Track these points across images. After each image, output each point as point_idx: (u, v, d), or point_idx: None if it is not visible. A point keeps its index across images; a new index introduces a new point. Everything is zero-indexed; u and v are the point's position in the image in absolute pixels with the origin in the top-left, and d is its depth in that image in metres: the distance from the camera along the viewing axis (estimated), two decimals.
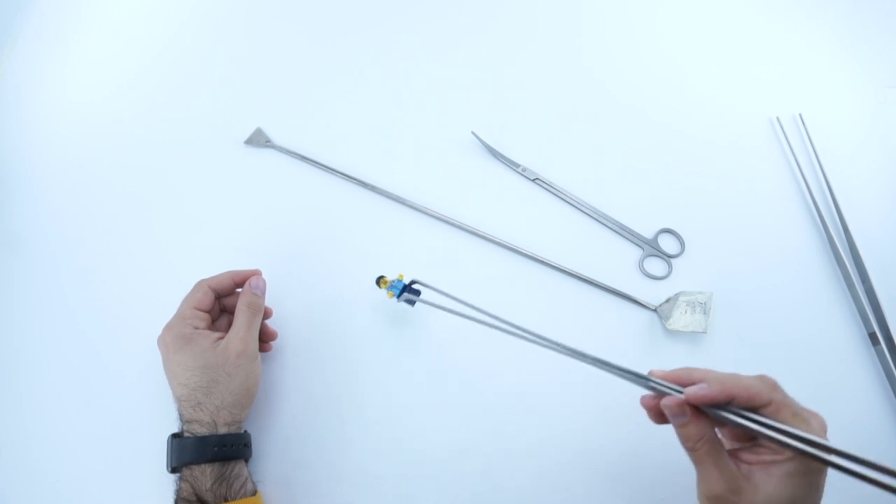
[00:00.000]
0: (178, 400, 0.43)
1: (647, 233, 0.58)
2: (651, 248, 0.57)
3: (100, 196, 0.59)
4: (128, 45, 0.69)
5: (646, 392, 0.36)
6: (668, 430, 0.49)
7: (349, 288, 0.54)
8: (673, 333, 0.53)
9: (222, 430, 0.42)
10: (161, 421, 0.48)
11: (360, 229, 0.58)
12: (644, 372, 0.35)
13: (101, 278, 0.55)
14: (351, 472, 0.47)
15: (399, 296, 0.47)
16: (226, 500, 0.40)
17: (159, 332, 0.50)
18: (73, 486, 0.47)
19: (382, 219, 0.58)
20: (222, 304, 0.49)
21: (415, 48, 0.69)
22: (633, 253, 0.57)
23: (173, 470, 0.42)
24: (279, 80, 0.67)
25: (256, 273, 0.49)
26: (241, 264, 0.55)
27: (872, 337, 0.52)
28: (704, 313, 0.52)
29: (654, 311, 0.54)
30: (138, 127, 0.63)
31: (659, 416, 0.35)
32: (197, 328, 0.45)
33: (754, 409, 0.32)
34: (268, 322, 0.50)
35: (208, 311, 0.47)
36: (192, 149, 0.62)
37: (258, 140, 0.62)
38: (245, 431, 0.45)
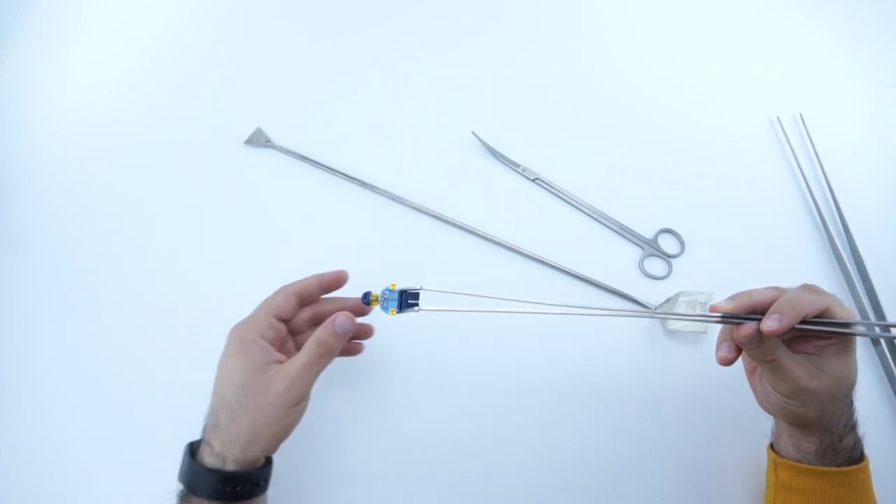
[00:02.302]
0: (210, 407, 0.39)
1: (647, 233, 0.58)
2: (651, 248, 0.57)
3: (100, 196, 0.59)
4: (128, 45, 0.69)
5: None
6: (667, 432, 0.49)
7: (350, 287, 0.54)
8: (673, 333, 0.53)
9: (230, 468, 0.36)
10: (161, 421, 0.48)
11: (360, 229, 0.58)
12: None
13: (101, 278, 0.55)
14: (354, 470, 0.47)
15: (400, 309, 0.40)
16: None
17: (161, 330, 0.50)
18: (72, 487, 0.46)
19: (382, 219, 0.58)
20: (294, 325, 0.43)
21: (415, 48, 0.69)
22: (633, 253, 0.57)
23: (184, 492, 0.38)
24: (279, 80, 0.67)
25: (341, 276, 0.42)
26: (240, 264, 0.56)
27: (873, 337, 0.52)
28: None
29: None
30: (138, 127, 0.63)
31: (730, 362, 0.38)
32: (262, 337, 0.39)
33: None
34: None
35: (286, 321, 0.41)
36: (192, 149, 0.62)
37: (258, 140, 0.62)
38: (261, 468, 0.39)
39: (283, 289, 0.41)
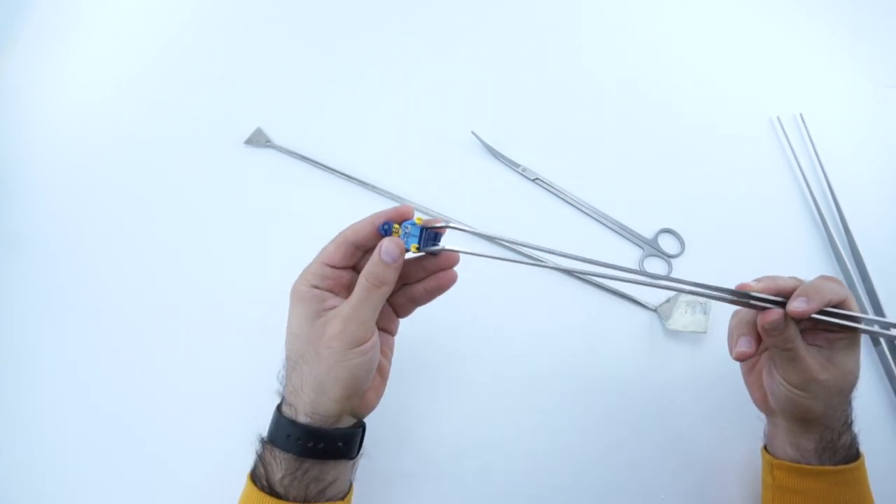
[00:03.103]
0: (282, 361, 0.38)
1: (647, 233, 0.58)
2: (651, 248, 0.57)
3: (100, 196, 0.59)
4: (128, 45, 0.69)
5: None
6: (667, 432, 0.49)
7: None
8: (673, 333, 0.53)
9: (302, 419, 0.35)
10: (160, 420, 0.48)
11: None
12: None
13: (101, 278, 0.55)
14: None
15: (422, 245, 0.36)
16: (297, 500, 0.34)
17: (161, 330, 0.50)
18: (72, 487, 0.46)
19: None
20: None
21: (415, 48, 0.69)
22: (633, 253, 0.57)
23: (263, 440, 0.37)
24: (279, 80, 0.67)
25: (403, 211, 0.37)
26: (240, 264, 0.55)
27: (873, 337, 0.52)
28: (704, 313, 0.52)
29: (655, 311, 0.54)
30: (138, 127, 0.63)
31: (749, 357, 0.39)
32: (316, 287, 0.36)
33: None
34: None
35: (344, 268, 0.37)
36: (192, 149, 0.62)
37: (258, 140, 0.62)
38: (346, 429, 0.37)
39: (338, 236, 0.38)
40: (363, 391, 0.37)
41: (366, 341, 0.35)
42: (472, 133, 0.62)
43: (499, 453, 0.48)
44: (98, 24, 0.70)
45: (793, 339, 0.36)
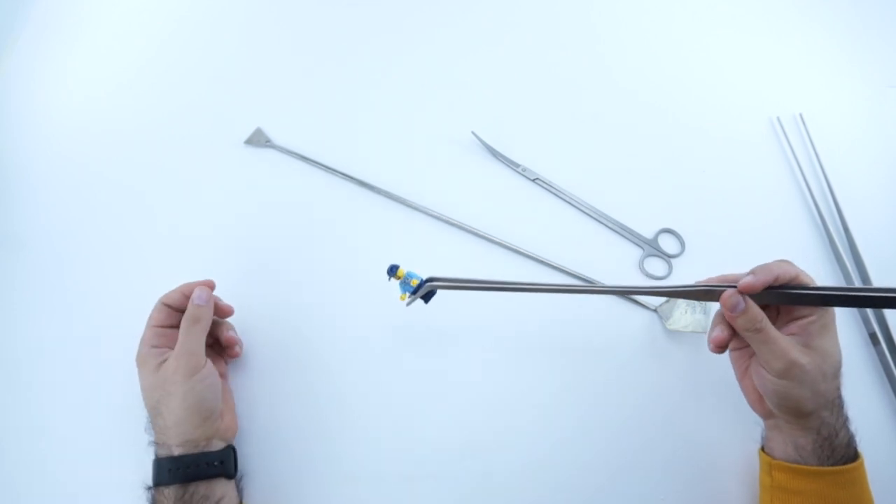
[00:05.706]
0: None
1: (647, 233, 0.58)
2: (651, 248, 0.57)
3: (101, 196, 0.59)
4: (128, 45, 0.69)
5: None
6: (667, 432, 0.49)
7: (350, 287, 0.54)
8: (673, 333, 0.53)
9: (177, 452, 0.41)
10: None
11: (360, 229, 0.58)
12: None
13: (101, 278, 0.55)
14: (354, 471, 0.47)
15: (411, 298, 0.45)
16: None
17: None
18: (72, 487, 0.46)
19: (382, 219, 0.58)
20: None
21: (415, 48, 0.69)
22: (633, 253, 0.57)
23: (149, 488, 0.41)
24: (279, 80, 0.67)
25: (207, 283, 0.47)
26: (240, 264, 0.56)
27: (872, 337, 0.52)
28: (704, 313, 0.52)
29: (654, 311, 0.54)
30: (138, 127, 0.63)
31: (721, 347, 0.41)
32: (155, 347, 0.44)
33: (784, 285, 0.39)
34: (230, 329, 0.49)
35: (171, 327, 0.46)
36: (193, 149, 0.62)
37: (258, 140, 0.62)
38: (220, 450, 0.42)
39: (157, 302, 0.46)
40: (217, 413, 0.43)
41: (201, 367, 0.43)
42: (472, 133, 0.62)
43: (496, 454, 0.48)
44: (98, 25, 0.70)
45: (759, 318, 0.38)
